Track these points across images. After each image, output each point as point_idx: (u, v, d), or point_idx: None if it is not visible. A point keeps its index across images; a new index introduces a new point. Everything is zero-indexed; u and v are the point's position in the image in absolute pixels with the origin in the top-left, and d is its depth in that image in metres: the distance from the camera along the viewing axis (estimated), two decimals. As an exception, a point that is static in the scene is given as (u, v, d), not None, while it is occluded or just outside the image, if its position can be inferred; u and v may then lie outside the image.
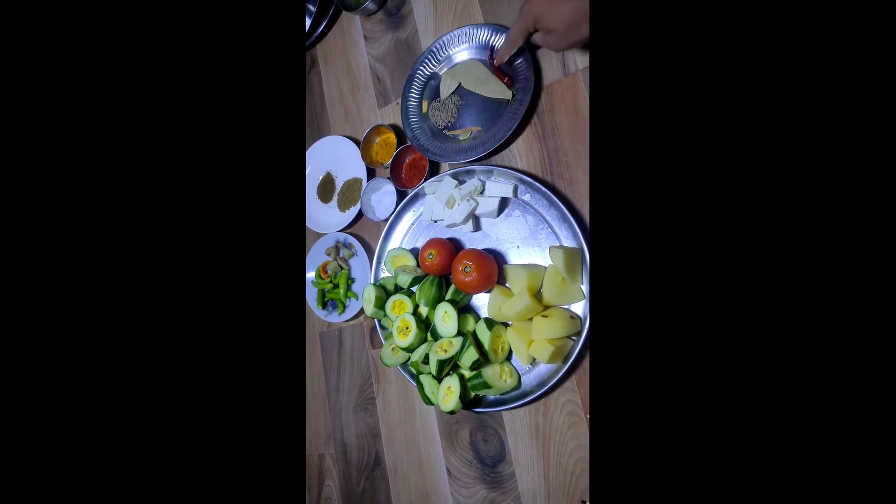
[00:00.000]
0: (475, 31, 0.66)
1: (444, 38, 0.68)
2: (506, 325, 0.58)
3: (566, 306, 0.56)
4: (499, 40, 0.64)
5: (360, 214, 0.74)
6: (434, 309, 0.60)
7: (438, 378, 0.58)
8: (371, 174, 0.74)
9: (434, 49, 0.69)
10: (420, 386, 0.61)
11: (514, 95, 0.62)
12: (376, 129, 0.73)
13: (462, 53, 0.68)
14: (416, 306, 0.62)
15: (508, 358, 0.59)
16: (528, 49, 0.60)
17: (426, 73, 0.70)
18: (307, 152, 0.82)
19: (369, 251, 0.73)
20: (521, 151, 0.63)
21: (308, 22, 0.82)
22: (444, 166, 0.68)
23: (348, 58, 0.82)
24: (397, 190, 0.70)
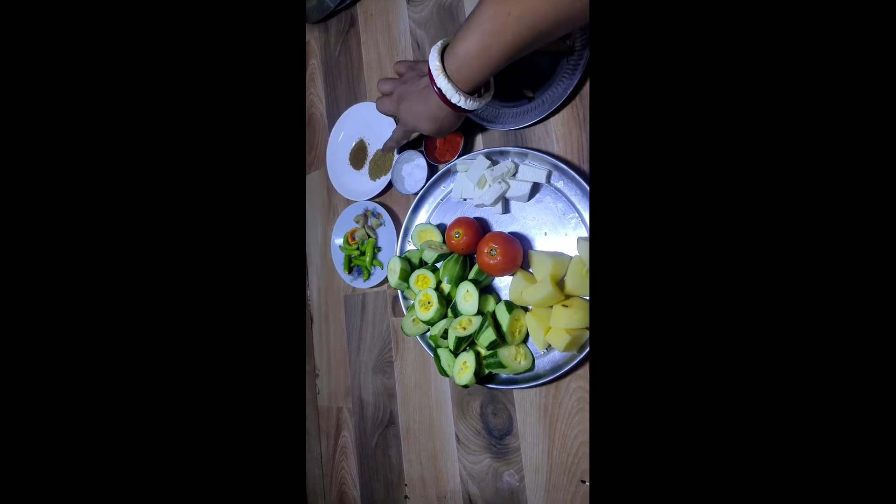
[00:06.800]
0: None
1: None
2: (525, 309, 0.60)
3: (587, 297, 0.57)
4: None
5: (389, 185, 0.74)
6: (456, 287, 0.62)
7: (455, 353, 0.61)
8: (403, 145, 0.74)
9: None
10: (437, 358, 0.63)
11: (572, 49, 0.59)
12: None
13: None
14: (440, 282, 0.64)
15: (525, 341, 0.60)
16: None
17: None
18: (342, 116, 0.82)
19: (397, 222, 0.74)
20: (559, 135, 0.61)
21: (350, -22, 0.79)
22: (478, 145, 0.68)
23: (389, 20, 0.79)
24: (429, 164, 0.69)
